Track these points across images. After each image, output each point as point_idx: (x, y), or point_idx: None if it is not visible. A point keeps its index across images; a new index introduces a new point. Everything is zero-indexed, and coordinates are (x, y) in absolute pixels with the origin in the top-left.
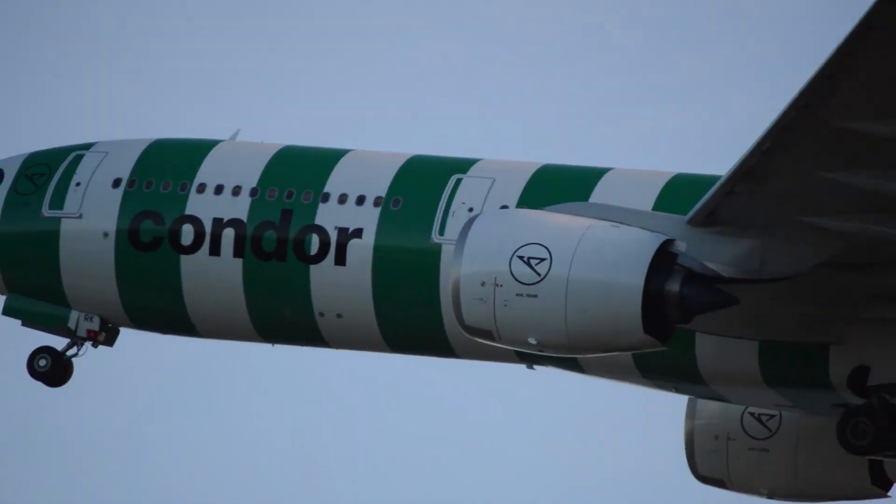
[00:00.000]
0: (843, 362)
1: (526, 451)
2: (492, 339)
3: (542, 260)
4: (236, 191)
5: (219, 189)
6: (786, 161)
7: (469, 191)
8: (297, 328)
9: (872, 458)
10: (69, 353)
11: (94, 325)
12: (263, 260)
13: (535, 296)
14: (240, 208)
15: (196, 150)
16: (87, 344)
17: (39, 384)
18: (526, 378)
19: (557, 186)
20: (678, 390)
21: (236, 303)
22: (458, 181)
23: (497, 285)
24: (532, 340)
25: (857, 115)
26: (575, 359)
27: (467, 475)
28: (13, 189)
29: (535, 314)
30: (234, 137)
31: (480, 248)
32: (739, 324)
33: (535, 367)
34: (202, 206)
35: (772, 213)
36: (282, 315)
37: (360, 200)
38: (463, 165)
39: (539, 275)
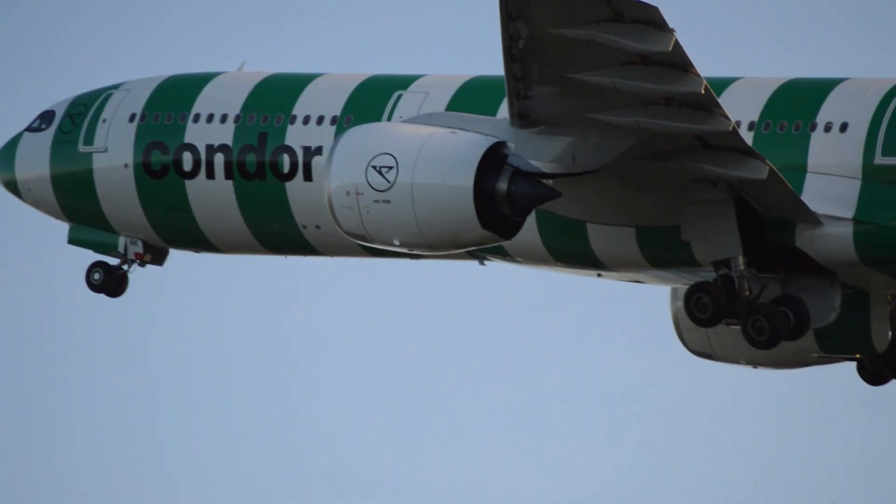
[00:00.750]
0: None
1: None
2: (366, 241)
3: (391, 168)
4: (223, 118)
5: (210, 118)
6: (535, 67)
7: (407, 105)
8: (291, 240)
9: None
10: (122, 268)
11: (139, 248)
12: (248, 180)
13: (389, 201)
14: (226, 134)
15: (196, 83)
16: (136, 264)
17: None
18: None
19: (479, 97)
20: (601, 275)
21: (237, 221)
22: (399, 97)
23: (358, 194)
24: (396, 242)
25: (557, 21)
26: (502, 248)
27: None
28: (59, 128)
29: (391, 218)
30: (240, 69)
31: (343, 161)
32: (602, 212)
33: (485, 262)
34: (197, 134)
35: (567, 113)
36: (274, 229)
37: (320, 120)
38: (407, 82)
39: (389, 182)
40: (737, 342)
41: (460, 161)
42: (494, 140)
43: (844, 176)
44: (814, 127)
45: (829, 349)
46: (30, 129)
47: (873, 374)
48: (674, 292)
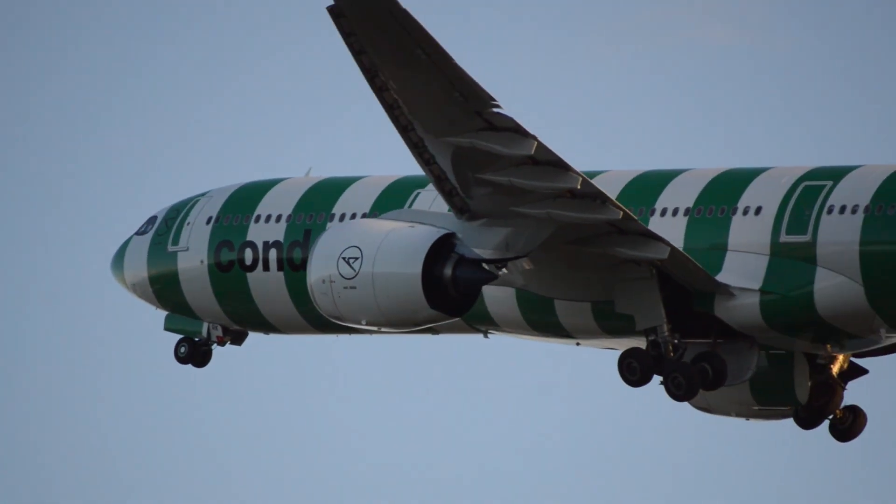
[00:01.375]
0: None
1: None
2: (341, 321)
3: (357, 259)
4: (278, 218)
5: (268, 218)
6: (450, 171)
7: (421, 201)
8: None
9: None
10: (206, 345)
11: (219, 331)
12: (295, 271)
13: (355, 287)
14: (279, 232)
15: (263, 188)
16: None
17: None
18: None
19: None
20: (579, 344)
21: (288, 305)
22: (417, 195)
23: (332, 282)
24: (363, 322)
25: (444, 131)
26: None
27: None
28: (156, 232)
29: (358, 302)
30: (306, 174)
31: (320, 254)
32: (561, 289)
33: (488, 335)
34: (256, 233)
35: (498, 207)
36: (317, 312)
37: (353, 216)
38: (426, 181)
39: (355, 271)
40: (728, 398)
41: (411, 252)
42: (444, 232)
43: (756, 253)
44: (735, 211)
45: (763, 402)
46: (137, 233)
47: (806, 421)
48: None
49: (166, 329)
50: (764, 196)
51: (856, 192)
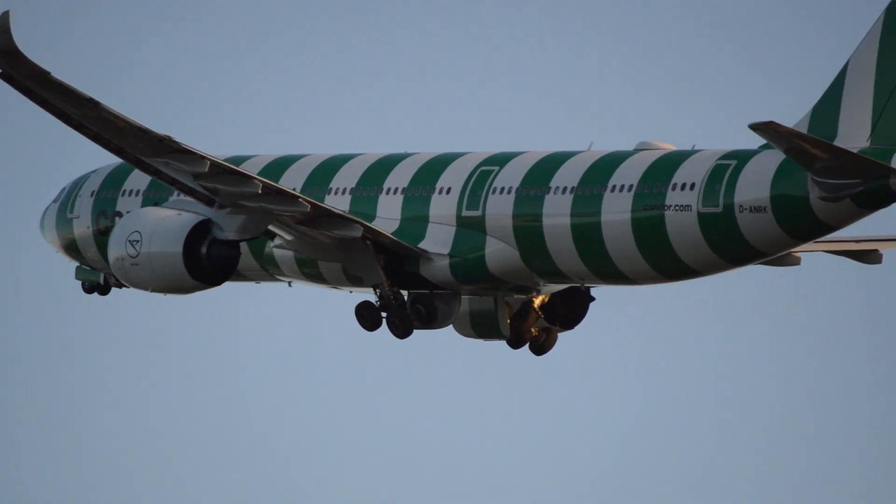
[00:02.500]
0: None
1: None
2: (135, 288)
3: (138, 241)
4: (138, 192)
5: (131, 192)
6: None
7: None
8: None
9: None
10: (107, 288)
11: (114, 279)
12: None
13: (138, 264)
14: (137, 204)
15: (131, 169)
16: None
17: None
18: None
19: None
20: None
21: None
22: None
23: (122, 259)
24: (149, 290)
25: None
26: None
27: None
28: (62, 201)
29: (142, 275)
30: None
31: (114, 238)
32: (319, 254)
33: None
34: (122, 205)
35: (227, 200)
36: None
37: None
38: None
39: (137, 252)
40: (468, 331)
41: (176, 235)
42: (202, 218)
43: (447, 224)
44: (434, 191)
45: (481, 335)
46: (53, 200)
47: (513, 342)
48: None
49: (76, 278)
50: (453, 179)
51: (512, 177)
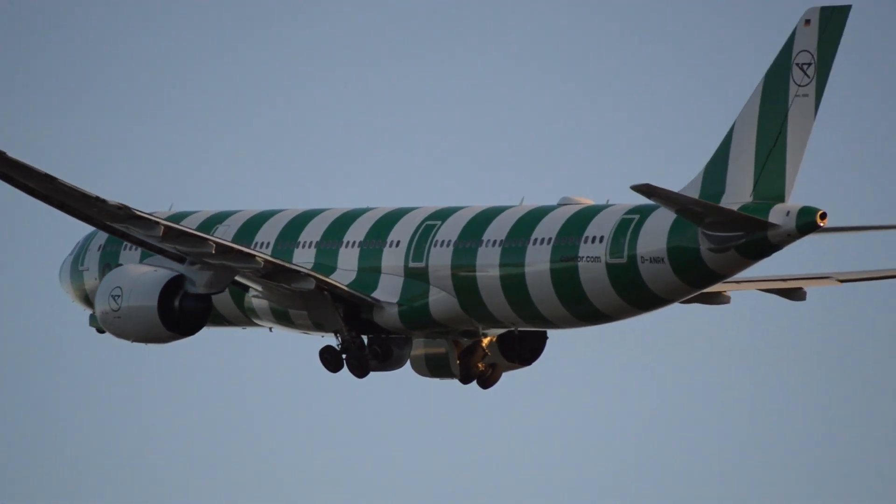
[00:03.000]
0: None
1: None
2: (121, 338)
3: (119, 296)
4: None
5: (133, 247)
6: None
7: (219, 233)
8: None
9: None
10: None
11: None
12: None
13: (120, 317)
14: (137, 257)
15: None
16: None
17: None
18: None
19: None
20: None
21: None
22: (216, 229)
23: (106, 313)
24: (131, 340)
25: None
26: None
27: None
28: (75, 255)
29: (124, 326)
30: (169, 209)
31: (100, 293)
32: (286, 304)
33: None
34: (125, 258)
35: (195, 258)
36: None
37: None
38: (225, 217)
39: (119, 306)
40: (428, 372)
41: (151, 289)
42: (175, 274)
43: (396, 275)
44: (386, 244)
45: (435, 374)
46: (69, 254)
47: (464, 378)
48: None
49: (90, 325)
50: (402, 232)
51: (451, 230)
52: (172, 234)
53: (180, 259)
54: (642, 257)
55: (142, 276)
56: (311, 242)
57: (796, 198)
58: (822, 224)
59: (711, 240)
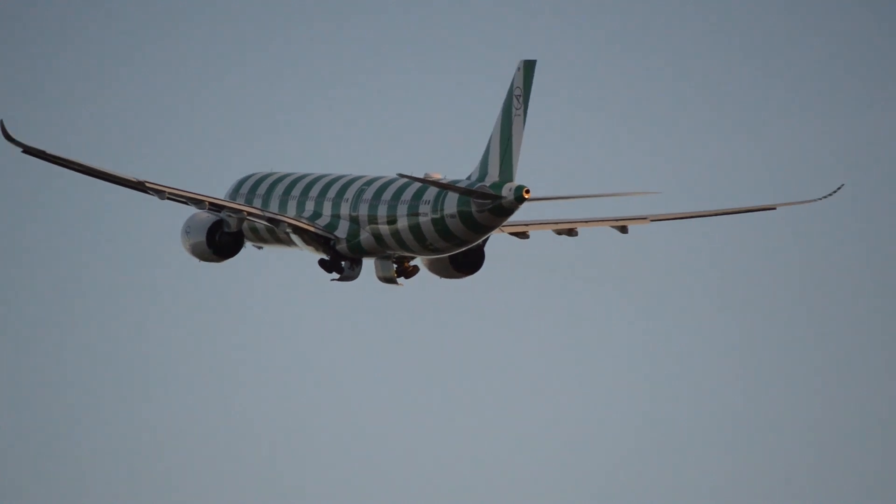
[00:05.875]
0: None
1: None
2: (195, 258)
3: (189, 232)
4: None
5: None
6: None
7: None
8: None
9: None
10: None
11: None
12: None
13: (190, 245)
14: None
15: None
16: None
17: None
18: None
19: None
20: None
21: None
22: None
23: (185, 242)
24: (198, 260)
25: None
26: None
27: None
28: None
29: (192, 251)
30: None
31: (182, 229)
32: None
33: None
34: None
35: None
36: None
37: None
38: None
39: (188, 238)
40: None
41: (201, 228)
42: (218, 218)
43: (346, 220)
44: (342, 200)
45: (386, 280)
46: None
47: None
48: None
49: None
50: (350, 193)
51: (368, 193)
52: (212, 205)
53: (219, 210)
54: (447, 215)
55: (198, 219)
56: (314, 197)
57: (520, 178)
58: (527, 196)
59: (476, 206)
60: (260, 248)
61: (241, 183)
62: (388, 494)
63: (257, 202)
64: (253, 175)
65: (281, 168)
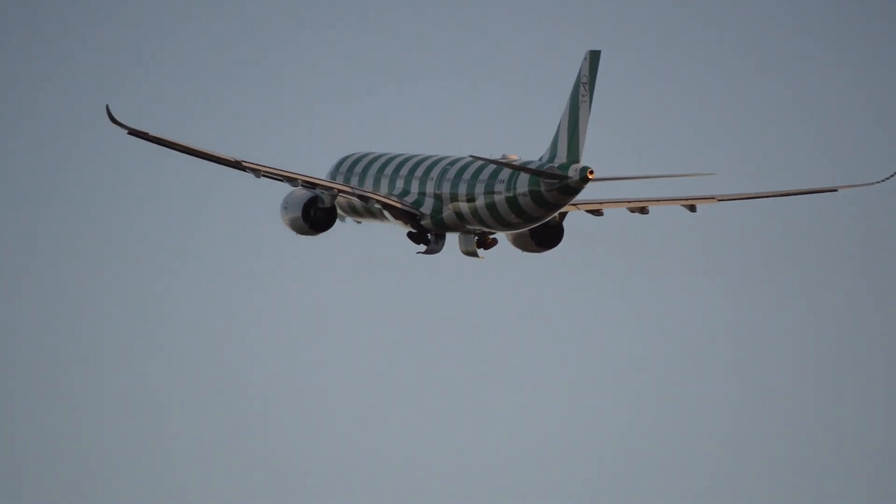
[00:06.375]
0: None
1: None
2: (292, 231)
3: (287, 207)
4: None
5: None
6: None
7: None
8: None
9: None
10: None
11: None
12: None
13: (288, 219)
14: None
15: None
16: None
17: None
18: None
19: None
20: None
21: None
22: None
23: (283, 217)
24: (292, 232)
25: None
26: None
27: None
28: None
29: (290, 224)
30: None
31: (281, 204)
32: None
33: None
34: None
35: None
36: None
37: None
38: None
39: (287, 212)
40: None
41: (298, 203)
42: (313, 194)
43: (431, 197)
44: (427, 179)
45: (469, 253)
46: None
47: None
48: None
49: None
50: (435, 173)
51: (451, 172)
52: (304, 182)
53: (314, 187)
54: (519, 193)
55: (296, 195)
56: (403, 175)
57: (586, 160)
58: (591, 177)
59: (545, 185)
60: (359, 223)
61: (341, 162)
62: (459, 458)
63: (354, 179)
64: (352, 154)
65: (378, 148)
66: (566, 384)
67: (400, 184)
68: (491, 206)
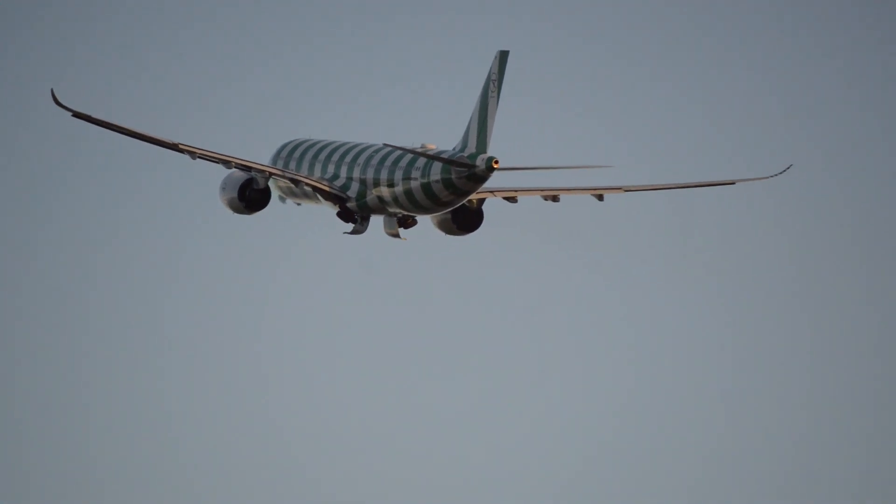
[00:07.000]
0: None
1: None
2: (230, 210)
3: (224, 188)
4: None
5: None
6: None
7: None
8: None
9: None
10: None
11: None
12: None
13: (226, 199)
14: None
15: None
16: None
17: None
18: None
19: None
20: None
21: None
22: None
23: (221, 197)
24: (230, 211)
25: None
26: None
27: None
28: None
29: (227, 204)
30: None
31: (220, 183)
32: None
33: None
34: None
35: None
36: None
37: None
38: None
39: (224, 192)
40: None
41: (234, 185)
42: (249, 176)
43: (357, 182)
44: (355, 165)
45: (392, 235)
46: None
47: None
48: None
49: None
50: (362, 159)
51: (371, 160)
52: (238, 165)
53: (248, 170)
54: (433, 180)
55: (233, 177)
56: (334, 161)
57: (492, 150)
58: (496, 166)
59: (455, 173)
60: (298, 204)
61: (282, 147)
62: (381, 450)
63: (293, 164)
64: (292, 141)
65: (318, 136)
66: (478, 363)
67: (331, 168)
68: (408, 192)
